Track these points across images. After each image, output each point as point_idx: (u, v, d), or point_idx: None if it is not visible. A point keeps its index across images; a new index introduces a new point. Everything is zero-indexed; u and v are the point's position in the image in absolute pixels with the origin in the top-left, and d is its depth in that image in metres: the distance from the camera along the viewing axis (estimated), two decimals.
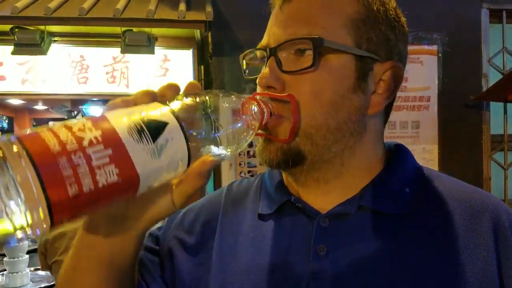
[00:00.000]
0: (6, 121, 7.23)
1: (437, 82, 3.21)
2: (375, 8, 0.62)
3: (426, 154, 3.21)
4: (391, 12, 0.64)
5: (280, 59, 0.60)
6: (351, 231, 0.61)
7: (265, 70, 0.61)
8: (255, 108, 0.55)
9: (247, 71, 0.69)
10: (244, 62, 0.69)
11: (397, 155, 0.68)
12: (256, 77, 0.63)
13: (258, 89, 0.63)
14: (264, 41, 0.63)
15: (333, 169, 0.63)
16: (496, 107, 3.36)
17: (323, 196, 0.64)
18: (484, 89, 3.26)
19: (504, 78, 3.11)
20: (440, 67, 3.21)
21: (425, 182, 0.65)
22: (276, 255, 0.63)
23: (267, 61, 0.61)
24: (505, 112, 3.38)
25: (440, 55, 3.20)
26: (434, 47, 3.20)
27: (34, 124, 4.62)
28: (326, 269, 0.59)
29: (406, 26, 0.67)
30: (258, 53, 0.65)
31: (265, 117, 0.56)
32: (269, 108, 0.57)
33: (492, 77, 3.31)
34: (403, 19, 0.67)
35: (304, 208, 0.64)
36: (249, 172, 3.00)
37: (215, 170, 3.17)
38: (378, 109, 0.63)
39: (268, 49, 0.61)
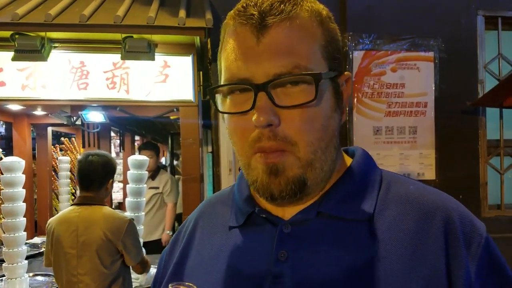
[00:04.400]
0: (4, 126, 7.21)
1: (433, 88, 3.24)
2: (330, 27, 0.65)
3: (423, 159, 3.24)
4: (336, 25, 0.66)
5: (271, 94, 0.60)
6: (310, 236, 0.64)
7: (259, 107, 0.59)
8: None
9: (226, 102, 0.66)
10: (219, 97, 0.66)
11: (357, 160, 0.70)
12: (235, 112, 0.62)
13: (256, 130, 0.61)
14: (244, 74, 0.61)
15: (319, 188, 0.66)
16: (492, 112, 3.40)
17: (287, 205, 0.67)
18: (480, 95, 3.29)
19: (500, 84, 3.15)
20: (437, 73, 3.24)
21: (383, 186, 0.68)
22: (242, 265, 0.66)
23: (255, 96, 0.59)
24: (501, 117, 3.42)
25: (436, 61, 3.24)
26: (431, 54, 3.24)
27: (33, 129, 4.62)
28: (286, 273, 0.62)
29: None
30: (237, 86, 0.62)
31: None
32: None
33: (488, 83, 3.35)
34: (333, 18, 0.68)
35: (268, 217, 0.68)
36: None
37: (215, 175, 3.18)
38: (345, 118, 0.67)
39: (257, 85, 0.59)
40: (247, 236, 0.69)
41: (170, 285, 0.58)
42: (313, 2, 0.64)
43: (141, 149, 4.67)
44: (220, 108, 0.66)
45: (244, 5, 0.62)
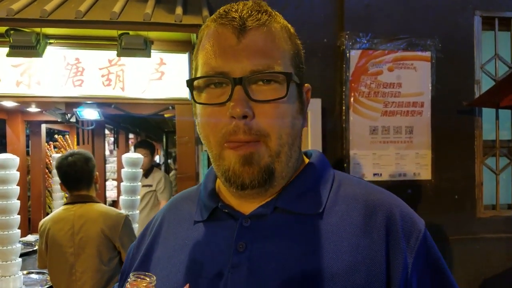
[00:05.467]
0: None
1: (430, 87, 3.24)
2: (297, 42, 0.74)
3: (419, 159, 3.24)
4: (300, 42, 0.75)
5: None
6: (267, 229, 0.71)
7: (236, 99, 0.65)
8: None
9: (202, 95, 0.71)
10: (194, 92, 0.71)
11: (312, 161, 0.78)
12: (212, 103, 0.68)
13: (228, 120, 0.66)
14: (223, 68, 0.67)
15: (280, 183, 0.73)
16: (488, 113, 3.41)
17: (248, 201, 0.74)
18: (477, 95, 3.30)
19: (496, 85, 3.15)
20: (434, 73, 3.24)
21: (335, 185, 0.76)
22: (204, 256, 0.72)
23: (232, 90, 0.66)
24: (497, 118, 3.42)
25: (433, 61, 3.24)
26: (428, 53, 3.24)
27: (26, 126, 4.59)
28: (243, 263, 0.68)
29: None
30: (215, 79, 0.68)
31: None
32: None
33: (484, 83, 3.35)
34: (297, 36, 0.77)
35: (230, 212, 0.74)
36: None
37: None
38: (305, 125, 0.77)
39: (235, 78, 0.66)
40: (210, 230, 0.75)
41: (131, 274, 0.60)
42: (282, 18, 0.74)
43: (136, 147, 4.65)
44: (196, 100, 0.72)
45: (226, 10, 0.70)
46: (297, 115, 0.72)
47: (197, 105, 0.72)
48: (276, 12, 0.73)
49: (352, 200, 0.72)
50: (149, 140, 6.14)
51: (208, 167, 2.95)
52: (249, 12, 0.69)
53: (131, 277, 0.59)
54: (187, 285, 0.65)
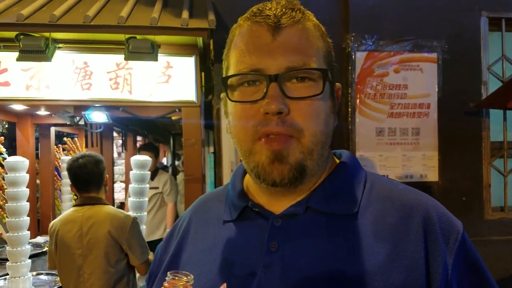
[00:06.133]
0: (6, 126, 7.23)
1: (437, 89, 3.23)
2: (328, 40, 0.75)
3: (426, 161, 3.23)
4: (331, 40, 0.75)
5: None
6: (299, 229, 0.70)
7: (271, 95, 0.65)
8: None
9: (234, 94, 0.70)
10: (229, 86, 0.71)
11: (344, 162, 0.77)
12: (247, 101, 0.67)
13: (262, 117, 0.66)
14: (258, 66, 0.67)
15: (313, 181, 0.73)
16: (495, 114, 3.38)
17: (278, 200, 0.73)
18: (484, 96, 3.28)
19: (504, 86, 3.13)
20: (440, 75, 3.23)
21: (367, 186, 0.74)
22: (235, 255, 0.72)
23: (268, 86, 0.65)
24: (505, 119, 3.40)
25: (440, 62, 3.23)
26: (434, 55, 3.23)
27: (36, 129, 4.64)
28: (276, 262, 0.67)
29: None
30: (250, 76, 0.68)
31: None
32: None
33: (491, 85, 3.33)
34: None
35: (260, 212, 0.73)
36: None
37: (217, 176, 3.18)
38: (336, 123, 0.76)
39: (270, 75, 0.65)
40: (240, 229, 0.74)
41: (168, 272, 0.60)
42: (314, 17, 0.73)
43: (140, 150, 4.70)
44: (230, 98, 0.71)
45: (260, 8, 0.70)
46: (330, 114, 0.72)
47: (229, 104, 0.71)
48: (308, 11, 0.73)
49: (386, 201, 0.71)
50: (155, 142, 6.18)
51: (215, 169, 2.96)
52: (283, 10, 0.69)
53: (169, 275, 0.59)
54: (224, 284, 0.64)
